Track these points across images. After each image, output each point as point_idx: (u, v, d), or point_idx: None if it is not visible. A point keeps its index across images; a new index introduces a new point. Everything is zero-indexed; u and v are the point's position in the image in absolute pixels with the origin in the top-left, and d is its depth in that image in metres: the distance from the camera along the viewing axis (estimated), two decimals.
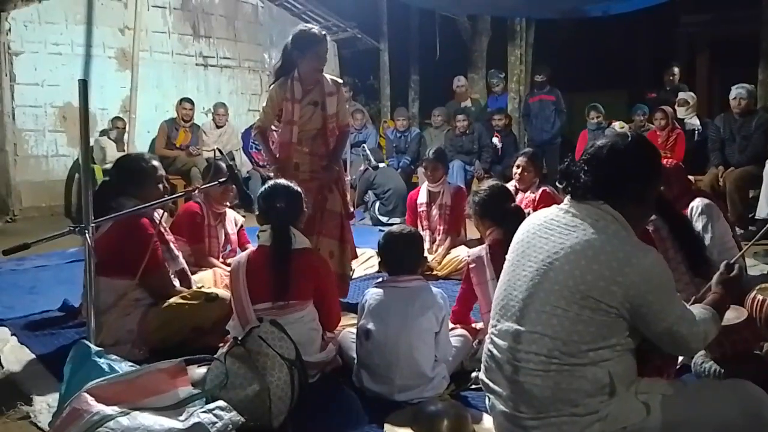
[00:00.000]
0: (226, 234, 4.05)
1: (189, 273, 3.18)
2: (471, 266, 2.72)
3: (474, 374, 2.40)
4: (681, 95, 7.36)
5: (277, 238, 2.57)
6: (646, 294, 1.60)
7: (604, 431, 1.62)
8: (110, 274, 2.67)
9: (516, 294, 1.73)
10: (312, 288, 2.58)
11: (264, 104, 3.63)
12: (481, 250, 2.74)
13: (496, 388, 1.77)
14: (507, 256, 1.88)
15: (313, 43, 3.46)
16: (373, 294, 2.48)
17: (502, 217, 2.74)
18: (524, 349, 1.67)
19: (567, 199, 1.79)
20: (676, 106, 7.22)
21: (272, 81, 3.62)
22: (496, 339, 1.78)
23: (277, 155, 3.59)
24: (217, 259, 3.89)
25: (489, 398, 1.83)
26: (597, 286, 1.60)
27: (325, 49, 3.54)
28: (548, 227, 1.75)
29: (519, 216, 2.54)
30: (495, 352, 1.77)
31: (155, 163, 3.03)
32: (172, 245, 3.08)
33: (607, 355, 1.63)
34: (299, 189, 2.76)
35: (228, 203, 4.02)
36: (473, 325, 2.85)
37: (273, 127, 3.76)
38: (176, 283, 3.00)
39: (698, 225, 3.15)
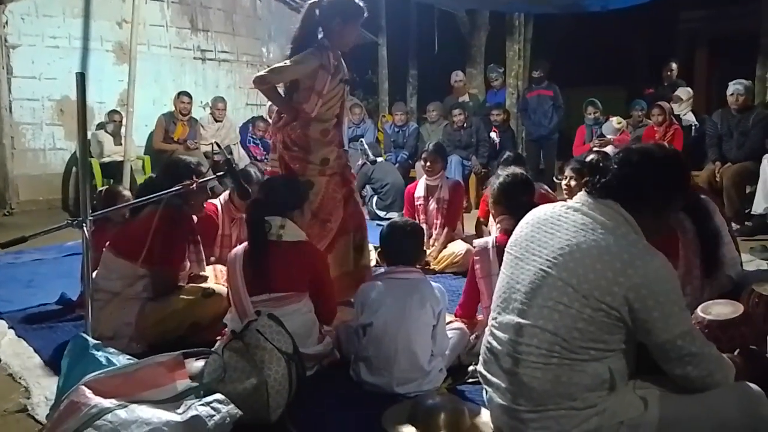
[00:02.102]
0: (239, 238, 3.84)
1: (205, 281, 3.19)
2: (475, 258, 2.68)
3: (471, 368, 2.40)
4: (677, 93, 7.36)
5: (250, 230, 2.59)
6: (647, 299, 1.57)
7: (601, 425, 1.63)
8: (129, 257, 2.79)
9: (519, 287, 1.73)
10: (306, 280, 2.58)
11: (287, 62, 3.14)
12: (486, 242, 2.70)
13: (494, 380, 1.77)
14: (508, 249, 1.88)
15: (360, 13, 3.17)
16: (370, 287, 2.49)
17: (517, 208, 2.61)
18: (525, 342, 1.67)
19: (581, 195, 1.79)
20: (671, 104, 7.23)
21: (292, 50, 3.16)
22: (496, 331, 1.78)
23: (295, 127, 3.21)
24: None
25: (486, 391, 1.84)
26: (599, 285, 1.59)
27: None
28: (554, 223, 1.74)
29: None
30: (495, 344, 1.77)
31: (203, 168, 3.10)
32: (201, 248, 3.15)
33: (608, 354, 1.63)
34: (288, 181, 2.77)
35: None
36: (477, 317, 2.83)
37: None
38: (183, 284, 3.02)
39: None
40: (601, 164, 1.79)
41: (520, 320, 1.69)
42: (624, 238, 1.65)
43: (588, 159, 1.81)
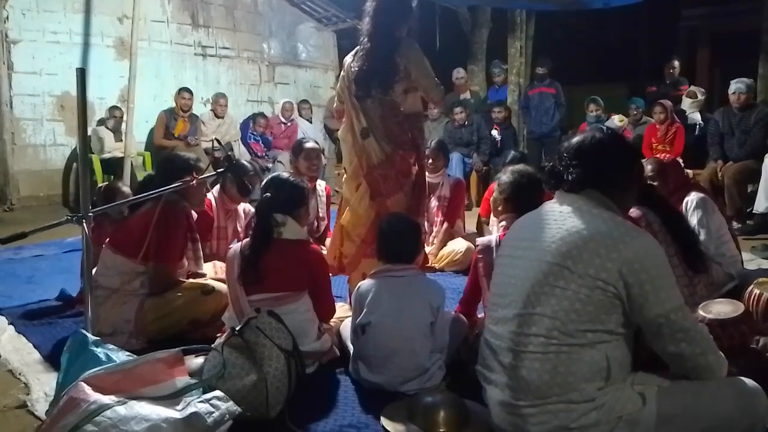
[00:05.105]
0: (235, 230, 3.93)
1: (203, 278, 3.17)
2: (478, 255, 2.65)
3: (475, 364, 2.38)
4: (692, 88, 7.35)
5: (257, 225, 2.58)
6: (639, 273, 1.62)
7: (600, 420, 1.64)
8: (128, 254, 2.80)
9: (514, 281, 1.77)
10: (303, 279, 2.57)
11: (425, 64, 3.03)
12: (490, 240, 2.66)
13: (493, 377, 1.78)
14: (500, 252, 1.93)
15: None
16: (367, 285, 2.47)
17: (527, 208, 2.57)
18: (524, 332, 1.69)
19: (559, 193, 1.85)
20: (684, 96, 7.21)
21: (389, 39, 2.97)
22: (493, 327, 1.80)
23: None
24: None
25: (485, 389, 1.84)
26: (593, 263, 1.63)
27: None
28: (543, 218, 1.80)
29: None
30: (493, 340, 1.79)
31: (201, 164, 3.10)
32: (199, 246, 3.14)
33: (606, 338, 1.65)
34: (298, 182, 2.75)
35: (241, 202, 3.90)
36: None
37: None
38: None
39: (693, 219, 3.16)
40: (557, 168, 1.85)
41: (518, 311, 1.72)
42: (611, 220, 1.72)
43: (547, 168, 1.84)
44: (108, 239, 2.93)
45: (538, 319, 1.67)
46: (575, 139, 1.87)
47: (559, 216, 1.76)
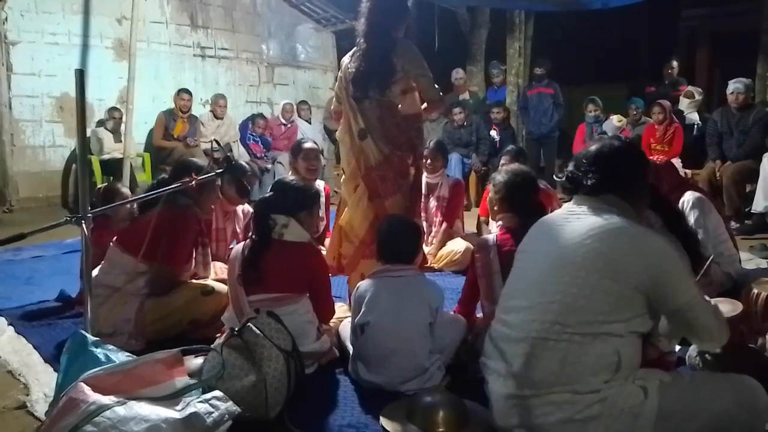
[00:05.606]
0: (234, 232, 3.91)
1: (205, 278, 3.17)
2: (476, 255, 2.65)
3: (474, 364, 2.38)
4: (690, 88, 7.35)
5: (255, 225, 2.59)
6: (662, 265, 1.68)
7: (602, 412, 1.65)
8: (135, 254, 2.79)
9: (531, 273, 1.81)
10: (304, 281, 2.57)
11: (424, 69, 3.04)
12: (487, 240, 2.66)
13: (499, 368, 1.80)
14: (520, 247, 1.95)
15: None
16: (366, 285, 2.48)
17: (523, 207, 2.59)
18: (537, 320, 1.72)
19: (575, 197, 1.90)
20: (681, 96, 7.21)
21: (385, 40, 2.96)
22: (505, 316, 1.83)
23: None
24: (225, 259, 3.71)
25: (488, 381, 1.85)
26: (614, 257, 1.68)
27: None
28: (564, 218, 1.85)
29: (538, 211, 2.39)
30: (503, 329, 1.82)
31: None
32: (209, 250, 3.14)
33: (619, 331, 1.67)
34: (303, 185, 2.76)
35: (240, 204, 3.89)
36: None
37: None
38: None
39: (690, 219, 3.17)
40: (576, 173, 1.90)
41: (534, 299, 1.75)
42: (629, 221, 1.77)
43: (566, 174, 1.88)
44: (116, 238, 2.95)
45: (557, 307, 1.70)
46: (593, 147, 1.94)
47: (582, 215, 1.81)
